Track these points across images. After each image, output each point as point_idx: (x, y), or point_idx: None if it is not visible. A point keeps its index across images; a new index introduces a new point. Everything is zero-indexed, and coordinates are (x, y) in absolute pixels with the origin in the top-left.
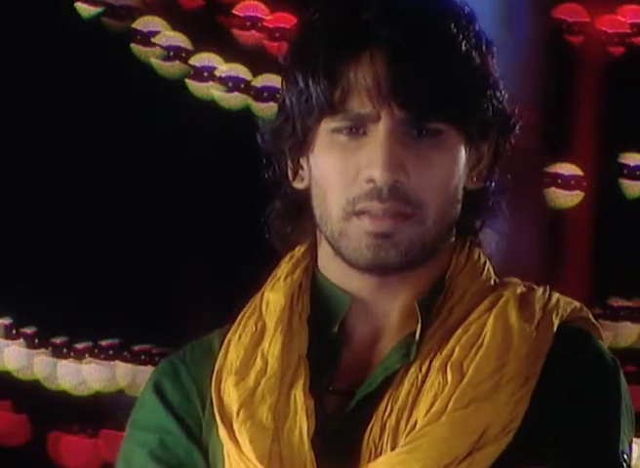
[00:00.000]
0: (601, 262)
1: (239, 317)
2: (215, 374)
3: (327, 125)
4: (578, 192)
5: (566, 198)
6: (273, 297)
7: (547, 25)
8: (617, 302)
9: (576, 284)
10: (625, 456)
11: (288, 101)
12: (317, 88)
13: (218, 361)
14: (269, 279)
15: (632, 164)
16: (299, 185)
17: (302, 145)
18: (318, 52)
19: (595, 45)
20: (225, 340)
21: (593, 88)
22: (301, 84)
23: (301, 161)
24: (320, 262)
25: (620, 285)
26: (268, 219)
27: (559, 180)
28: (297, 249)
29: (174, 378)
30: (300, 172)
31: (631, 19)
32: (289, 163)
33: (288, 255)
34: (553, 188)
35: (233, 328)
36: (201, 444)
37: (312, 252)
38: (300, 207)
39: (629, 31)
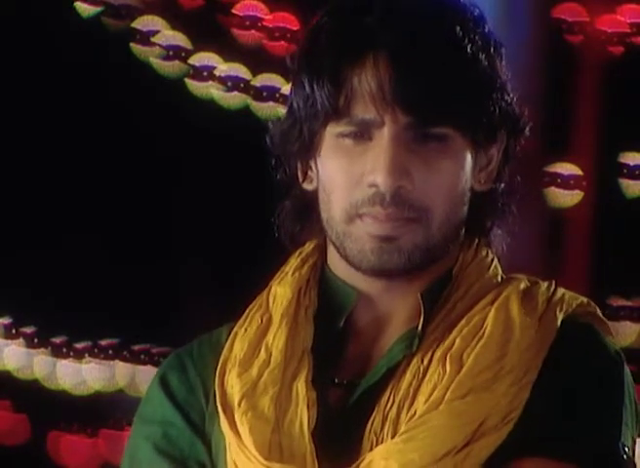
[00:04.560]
0: (601, 262)
1: (246, 311)
2: (219, 367)
3: (333, 129)
4: (577, 192)
5: (566, 198)
6: (280, 291)
7: (547, 25)
8: (616, 302)
9: (576, 283)
10: (627, 449)
11: (295, 105)
12: (322, 93)
13: (223, 353)
14: (277, 274)
15: (632, 164)
16: (308, 187)
17: (309, 148)
18: (323, 56)
19: (595, 45)
20: (232, 333)
21: (593, 88)
22: (307, 88)
23: (310, 163)
24: (329, 260)
25: (620, 284)
26: (278, 219)
27: (559, 180)
28: (306, 245)
29: (180, 372)
30: (310, 173)
31: (631, 18)
32: (298, 165)
33: (297, 251)
34: (553, 188)
35: (240, 321)
36: (204, 436)
37: (321, 248)
38: (310, 207)
39: (629, 31)
